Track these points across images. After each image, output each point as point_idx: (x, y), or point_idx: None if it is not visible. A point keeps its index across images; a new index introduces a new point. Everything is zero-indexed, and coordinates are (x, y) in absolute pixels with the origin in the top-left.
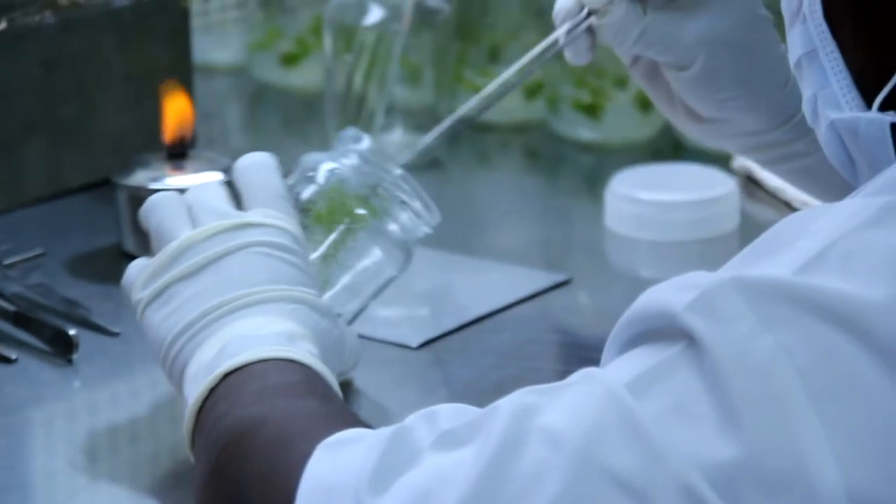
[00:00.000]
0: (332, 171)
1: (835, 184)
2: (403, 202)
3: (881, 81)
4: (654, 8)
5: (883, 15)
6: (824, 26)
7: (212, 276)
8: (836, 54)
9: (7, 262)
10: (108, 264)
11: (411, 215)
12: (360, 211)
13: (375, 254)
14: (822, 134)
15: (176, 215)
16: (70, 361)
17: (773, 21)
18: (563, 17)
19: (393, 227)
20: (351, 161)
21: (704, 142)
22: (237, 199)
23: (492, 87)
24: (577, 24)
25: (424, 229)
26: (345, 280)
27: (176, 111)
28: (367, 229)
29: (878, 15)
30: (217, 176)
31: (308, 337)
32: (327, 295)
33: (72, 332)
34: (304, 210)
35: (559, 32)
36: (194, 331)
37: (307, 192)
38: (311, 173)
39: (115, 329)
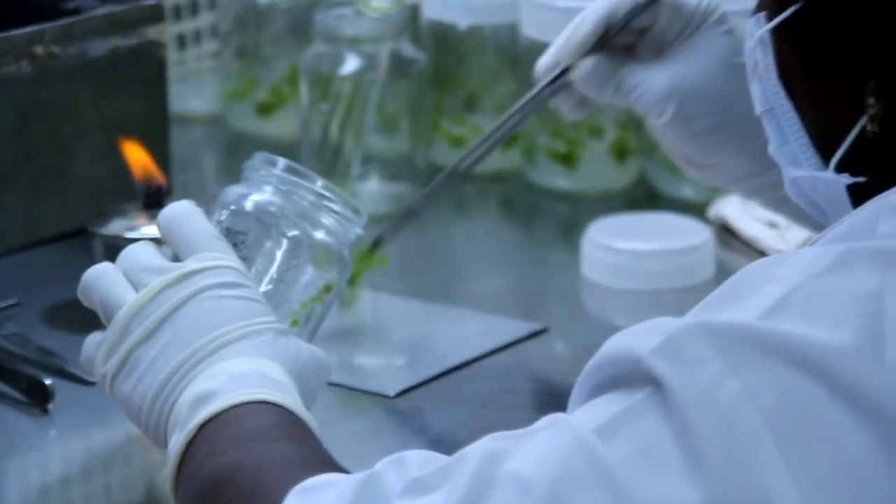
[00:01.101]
0: (256, 201)
1: None
2: (331, 211)
3: (837, 141)
4: (632, 59)
5: (835, 78)
6: (779, 87)
7: (170, 333)
8: (793, 114)
9: None
10: (84, 314)
11: (340, 221)
12: (294, 232)
13: (314, 268)
14: (786, 185)
15: (116, 285)
16: (46, 411)
17: None
18: (542, 74)
19: (325, 237)
20: (272, 185)
21: (711, 185)
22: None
23: (475, 143)
24: (555, 80)
25: (356, 231)
26: (293, 302)
27: (138, 164)
28: (303, 247)
29: (830, 78)
30: None
31: (279, 368)
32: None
33: (48, 381)
34: (235, 244)
35: (538, 88)
36: (167, 391)
37: (235, 225)
38: (233, 206)
39: (91, 379)
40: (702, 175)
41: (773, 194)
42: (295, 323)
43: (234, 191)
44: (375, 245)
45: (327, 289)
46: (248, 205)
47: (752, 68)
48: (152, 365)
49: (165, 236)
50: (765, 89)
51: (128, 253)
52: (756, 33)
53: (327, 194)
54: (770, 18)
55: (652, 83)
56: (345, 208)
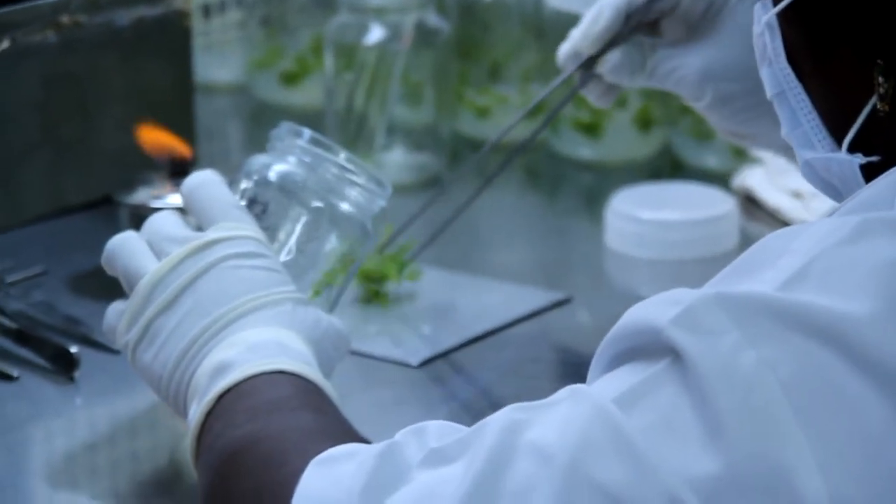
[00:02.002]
0: (279, 171)
1: None
2: (354, 183)
3: (848, 121)
4: (660, 42)
5: (843, 58)
6: (789, 69)
7: (190, 302)
8: (804, 96)
9: (9, 279)
10: (109, 282)
11: (363, 193)
12: (317, 203)
13: (337, 239)
14: (800, 168)
15: (138, 254)
16: (72, 379)
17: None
18: (564, 63)
19: (348, 208)
20: (296, 156)
21: (757, 150)
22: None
23: (503, 128)
24: (582, 69)
25: (380, 203)
26: (315, 272)
27: (156, 146)
28: (325, 218)
29: (838, 58)
30: None
31: (297, 338)
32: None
33: (73, 349)
34: (257, 214)
35: (561, 78)
36: (187, 360)
37: (258, 195)
38: (257, 176)
39: (116, 346)
40: (746, 143)
41: None
42: (317, 293)
43: (258, 160)
44: (383, 246)
45: (349, 260)
46: (272, 175)
47: (762, 53)
48: (172, 334)
49: (187, 206)
50: (774, 73)
51: (152, 222)
52: (763, 18)
53: (350, 167)
54: (776, 2)
55: (686, 69)
56: (369, 181)
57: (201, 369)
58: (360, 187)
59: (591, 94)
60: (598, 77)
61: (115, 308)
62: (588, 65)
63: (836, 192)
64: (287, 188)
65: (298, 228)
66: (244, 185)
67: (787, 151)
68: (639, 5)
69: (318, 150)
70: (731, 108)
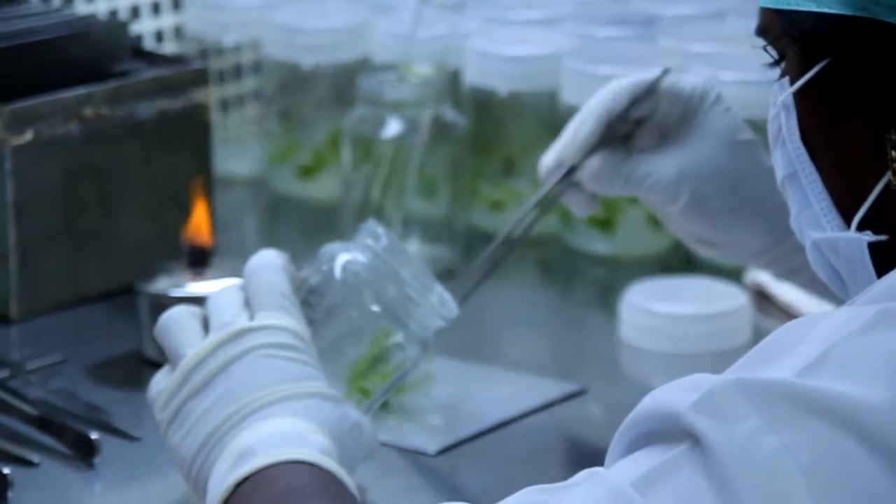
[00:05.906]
0: (346, 268)
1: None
2: (418, 299)
3: (858, 201)
4: (636, 150)
5: (858, 136)
6: (802, 149)
7: (222, 387)
8: (815, 176)
9: (30, 367)
10: (128, 370)
11: (425, 310)
12: (375, 308)
13: (385, 348)
14: (807, 251)
15: (185, 331)
16: (91, 465)
17: (759, 142)
18: (546, 175)
19: (407, 322)
20: (366, 258)
21: (724, 259)
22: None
23: (490, 248)
24: (562, 179)
25: (438, 322)
26: (351, 372)
27: (194, 222)
28: (380, 324)
29: (853, 136)
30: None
31: (320, 431)
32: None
33: (94, 436)
34: (312, 304)
35: (544, 189)
36: (210, 446)
37: (320, 285)
38: (325, 267)
39: (136, 433)
40: (714, 252)
41: (784, 265)
42: (363, 391)
43: (330, 250)
44: None
45: (395, 369)
46: (338, 270)
47: (775, 135)
48: (201, 418)
49: (245, 285)
50: (787, 153)
51: (214, 296)
52: (779, 99)
53: (416, 284)
54: (794, 82)
55: (662, 171)
56: (435, 298)
57: (223, 455)
58: (424, 302)
59: (574, 203)
60: (579, 186)
61: (157, 382)
62: (569, 174)
63: (840, 282)
64: (348, 287)
65: (348, 327)
66: (310, 271)
67: (755, 261)
68: (618, 113)
69: (391, 259)
70: (706, 210)
